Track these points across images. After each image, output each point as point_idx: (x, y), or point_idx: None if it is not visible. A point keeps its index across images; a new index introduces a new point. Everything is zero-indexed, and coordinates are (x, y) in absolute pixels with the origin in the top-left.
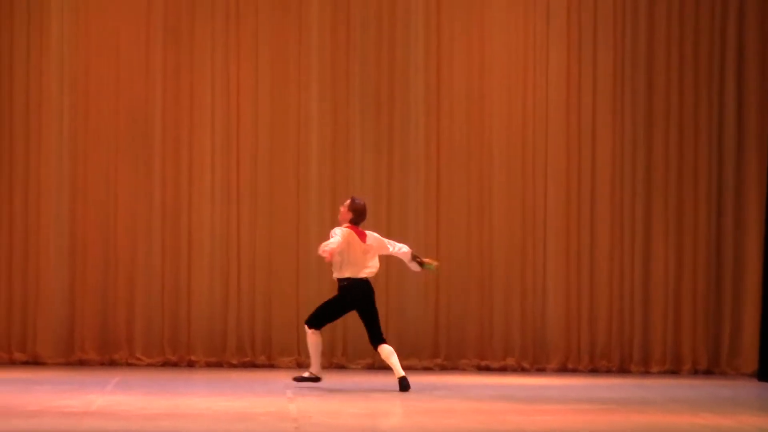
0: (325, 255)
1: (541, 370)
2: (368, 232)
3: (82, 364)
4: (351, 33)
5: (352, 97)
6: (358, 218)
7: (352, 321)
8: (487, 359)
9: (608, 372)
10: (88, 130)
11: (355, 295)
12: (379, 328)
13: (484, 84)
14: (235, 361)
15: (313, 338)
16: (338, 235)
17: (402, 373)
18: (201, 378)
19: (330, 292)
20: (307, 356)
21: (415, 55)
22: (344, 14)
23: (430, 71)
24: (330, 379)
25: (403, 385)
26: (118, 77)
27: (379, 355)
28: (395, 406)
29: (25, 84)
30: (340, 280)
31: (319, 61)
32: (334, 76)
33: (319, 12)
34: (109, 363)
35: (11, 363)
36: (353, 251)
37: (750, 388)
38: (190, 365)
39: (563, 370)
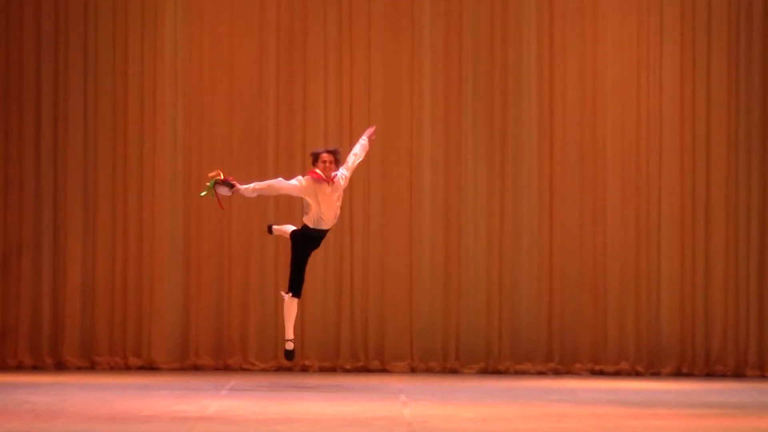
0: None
1: (655, 375)
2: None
3: (196, 369)
4: (463, 39)
5: (464, 102)
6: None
7: (465, 324)
8: (601, 363)
9: (723, 376)
10: (202, 139)
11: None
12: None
13: (597, 88)
14: (348, 366)
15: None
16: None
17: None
18: (314, 383)
19: (442, 295)
20: (421, 360)
21: (528, 59)
22: (456, 20)
23: (543, 75)
24: (444, 384)
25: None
26: (232, 86)
27: None
28: (509, 411)
29: (139, 94)
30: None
31: (432, 67)
32: (446, 81)
33: (431, 18)
34: (224, 368)
35: (126, 368)
36: None
37: None
38: (304, 370)
39: (678, 374)
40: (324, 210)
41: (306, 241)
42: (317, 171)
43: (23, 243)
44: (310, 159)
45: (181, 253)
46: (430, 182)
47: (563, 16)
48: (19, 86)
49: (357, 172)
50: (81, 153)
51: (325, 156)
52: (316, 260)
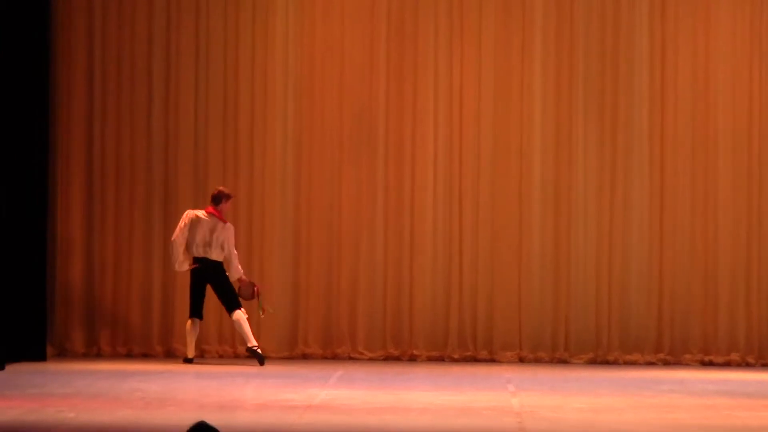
0: None
1: (766, 366)
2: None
3: (305, 357)
4: (574, 30)
5: (575, 95)
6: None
7: (574, 314)
8: (711, 354)
9: None
10: (312, 130)
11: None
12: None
13: (710, 80)
14: (456, 356)
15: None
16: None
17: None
18: (423, 372)
19: (551, 285)
20: (530, 350)
21: (640, 51)
22: (568, 12)
23: (655, 68)
24: (553, 374)
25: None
26: (342, 77)
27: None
28: (619, 401)
29: (250, 84)
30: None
31: (543, 59)
32: (557, 74)
33: (543, 9)
34: (332, 357)
35: (236, 357)
36: None
37: None
38: (412, 359)
39: None
40: None
41: None
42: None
43: (134, 234)
44: (412, 156)
45: (290, 242)
46: (540, 173)
47: (675, 8)
48: (131, 77)
49: (468, 164)
50: (192, 144)
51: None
52: (426, 251)
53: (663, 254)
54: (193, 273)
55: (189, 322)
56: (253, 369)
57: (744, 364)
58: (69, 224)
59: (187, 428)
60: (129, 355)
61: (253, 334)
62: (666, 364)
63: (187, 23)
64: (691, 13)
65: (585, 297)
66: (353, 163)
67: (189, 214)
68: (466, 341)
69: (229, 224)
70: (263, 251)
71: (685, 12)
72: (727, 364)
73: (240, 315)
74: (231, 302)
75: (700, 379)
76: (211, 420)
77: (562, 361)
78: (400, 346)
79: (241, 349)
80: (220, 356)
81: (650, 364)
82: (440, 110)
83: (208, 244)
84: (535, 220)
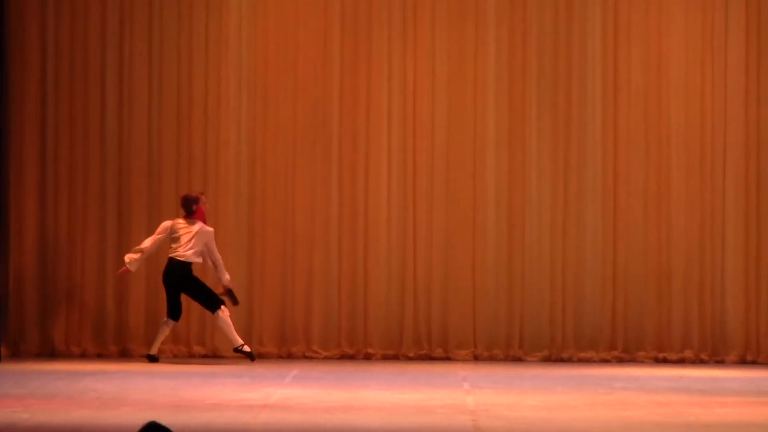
0: None
1: (719, 362)
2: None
3: (260, 357)
4: (527, 24)
5: (528, 89)
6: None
7: (528, 312)
8: (665, 351)
9: None
10: (266, 127)
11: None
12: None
13: (662, 79)
14: (411, 354)
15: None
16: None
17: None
18: (378, 371)
19: (506, 283)
20: (484, 348)
21: (593, 50)
22: (521, 5)
23: (608, 67)
24: (508, 372)
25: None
26: (296, 74)
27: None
28: (573, 399)
29: (204, 81)
30: None
31: (496, 57)
32: (510, 71)
33: (496, 7)
34: (287, 356)
35: (191, 356)
36: None
37: None
38: (367, 358)
39: (742, 362)
40: None
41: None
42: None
43: (88, 233)
44: (366, 153)
45: (245, 241)
46: (494, 169)
47: (628, 7)
48: (84, 78)
49: (422, 160)
50: (146, 141)
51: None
52: (380, 249)
53: (617, 252)
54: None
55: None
56: (208, 368)
57: (698, 361)
58: (22, 224)
59: (139, 428)
60: (83, 355)
61: (209, 330)
62: (620, 361)
63: (141, 19)
64: (643, 13)
65: (539, 295)
66: (307, 160)
67: (165, 224)
68: (420, 339)
69: (206, 227)
70: (218, 249)
71: (637, 11)
72: (681, 361)
73: (223, 315)
74: (209, 302)
75: (654, 376)
76: (166, 420)
77: (517, 359)
78: (355, 345)
79: (197, 349)
80: (175, 356)
81: (604, 361)
82: (394, 108)
83: (176, 241)
84: (489, 218)
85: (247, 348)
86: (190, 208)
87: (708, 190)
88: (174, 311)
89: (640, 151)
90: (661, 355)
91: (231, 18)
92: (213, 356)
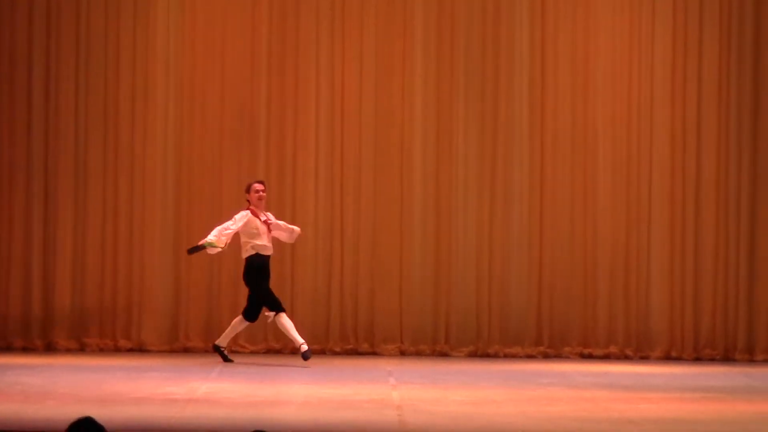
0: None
1: (644, 359)
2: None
3: (186, 351)
4: (455, 29)
5: (455, 92)
6: None
7: (455, 307)
8: (590, 347)
9: (712, 360)
10: (193, 126)
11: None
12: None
13: (589, 79)
14: (338, 349)
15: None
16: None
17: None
18: (304, 365)
19: (433, 278)
20: (411, 343)
21: (520, 50)
22: (448, 11)
23: (535, 67)
24: (433, 367)
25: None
26: (224, 73)
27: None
28: (499, 394)
29: (131, 81)
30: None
31: (424, 56)
32: (438, 71)
33: (423, 6)
34: (213, 350)
35: (116, 350)
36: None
37: None
38: (293, 353)
39: (667, 358)
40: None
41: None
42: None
43: (14, 227)
44: (293, 151)
45: (171, 235)
46: (421, 167)
47: (555, 7)
48: (10, 75)
49: (350, 158)
50: (72, 140)
51: (258, 186)
52: (307, 245)
53: (543, 248)
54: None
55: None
56: (133, 362)
57: (623, 357)
58: None
59: (69, 423)
60: (9, 349)
61: (135, 324)
62: (546, 356)
63: (68, 19)
64: (570, 13)
65: (465, 290)
66: (234, 160)
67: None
68: (347, 334)
69: (242, 212)
70: (144, 245)
71: (565, 11)
72: (606, 357)
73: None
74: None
75: (580, 371)
76: (92, 414)
77: (443, 354)
78: (281, 340)
79: (123, 343)
80: (101, 350)
81: (530, 356)
82: (322, 107)
83: (258, 236)
84: (416, 215)
85: (305, 347)
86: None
87: (634, 187)
88: (275, 303)
89: (567, 149)
90: (586, 351)
91: (158, 17)
92: (139, 350)
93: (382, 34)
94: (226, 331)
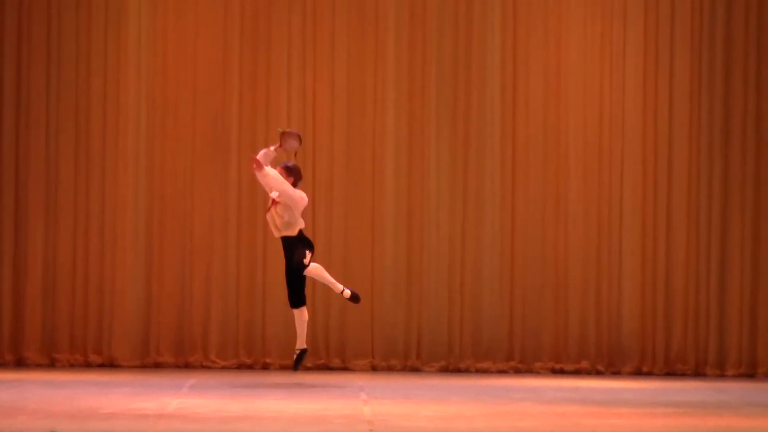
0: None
1: (615, 374)
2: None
3: (157, 366)
4: (427, 38)
5: (428, 101)
6: (298, 181)
7: (426, 323)
8: (561, 362)
9: (683, 375)
10: (165, 134)
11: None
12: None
13: (561, 87)
14: (309, 364)
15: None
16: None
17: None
18: (275, 381)
19: (404, 294)
20: (382, 358)
21: (492, 58)
22: (420, 19)
23: (506, 75)
24: (405, 382)
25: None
26: (196, 81)
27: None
28: (470, 409)
29: (102, 88)
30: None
31: (396, 65)
32: (410, 79)
33: (395, 15)
34: (184, 366)
35: (87, 365)
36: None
37: None
38: (265, 368)
39: (638, 373)
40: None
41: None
42: None
43: None
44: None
45: (142, 250)
46: (393, 178)
47: (527, 16)
48: None
49: (320, 168)
50: (43, 148)
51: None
52: (278, 260)
53: (514, 262)
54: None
55: None
56: (104, 377)
57: (594, 372)
58: None
59: None
60: None
61: (106, 339)
62: (517, 371)
63: (39, 26)
64: (542, 21)
65: (437, 305)
66: (206, 167)
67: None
68: (318, 349)
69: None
70: (115, 257)
71: (536, 20)
72: (577, 372)
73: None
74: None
75: (551, 386)
76: (63, 429)
77: (415, 369)
78: (252, 355)
79: (94, 358)
80: (72, 365)
81: (502, 371)
82: (293, 115)
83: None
84: (387, 227)
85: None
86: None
87: (606, 199)
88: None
89: (539, 159)
90: (557, 366)
91: (130, 25)
92: (110, 365)
93: (354, 43)
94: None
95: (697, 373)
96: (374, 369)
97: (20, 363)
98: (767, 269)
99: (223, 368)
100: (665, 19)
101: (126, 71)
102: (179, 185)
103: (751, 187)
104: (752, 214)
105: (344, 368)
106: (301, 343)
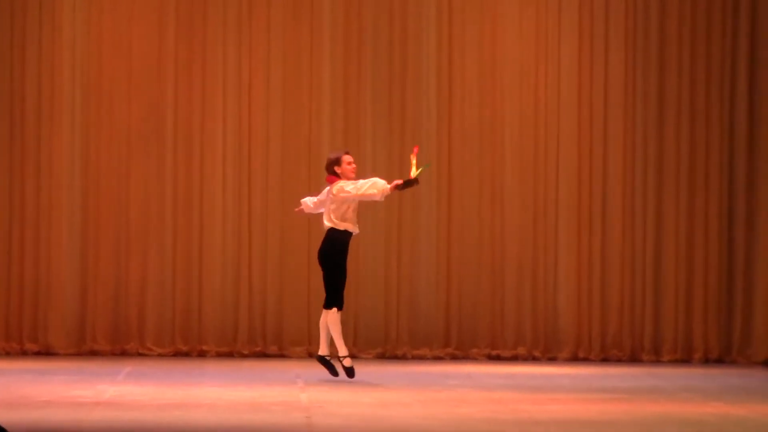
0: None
1: (552, 360)
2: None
3: (93, 354)
4: (363, 28)
5: (363, 91)
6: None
7: (363, 310)
8: (498, 348)
9: (619, 361)
10: (100, 125)
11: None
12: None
13: (496, 78)
14: (246, 351)
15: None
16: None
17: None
18: (212, 368)
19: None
20: (318, 345)
21: (427, 49)
22: (356, 9)
23: (442, 66)
24: (342, 369)
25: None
26: (131, 72)
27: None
28: (407, 396)
29: (37, 80)
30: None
31: (331, 56)
32: (345, 70)
33: (331, 6)
34: (121, 353)
35: (23, 353)
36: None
37: (761, 376)
38: (201, 355)
39: (574, 359)
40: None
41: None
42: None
43: None
44: (200, 153)
45: (78, 238)
46: None
47: (462, 7)
48: None
49: (258, 160)
50: None
51: (349, 157)
52: (215, 247)
53: (451, 249)
54: None
55: None
56: (40, 365)
57: (530, 358)
58: None
59: None
60: None
61: (42, 327)
62: (454, 358)
63: None
64: (478, 14)
65: (374, 292)
66: (142, 158)
67: None
68: (255, 337)
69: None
70: (51, 245)
71: (471, 10)
72: (514, 358)
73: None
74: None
75: (488, 373)
76: None
77: (351, 356)
78: (189, 342)
79: (30, 346)
80: (7, 353)
81: (438, 358)
82: (229, 106)
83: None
84: (323, 215)
85: (328, 359)
86: (329, 169)
87: (541, 188)
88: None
89: (475, 149)
90: (494, 353)
91: (64, 16)
92: (46, 353)
93: (290, 35)
94: (334, 337)
95: (633, 359)
96: (311, 356)
97: None
98: (702, 255)
99: (160, 356)
100: (600, 10)
101: (60, 63)
102: (114, 175)
103: (684, 175)
104: (686, 202)
105: (281, 355)
106: (342, 350)
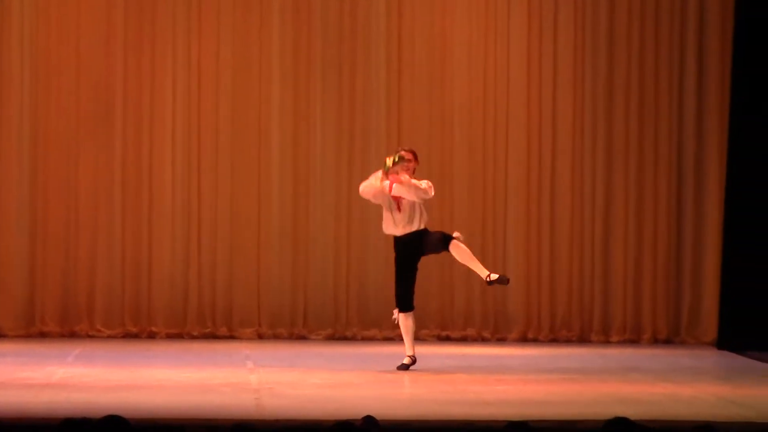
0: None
1: (501, 341)
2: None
3: (42, 336)
4: (312, 5)
5: (313, 70)
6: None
7: (313, 291)
8: (447, 329)
9: (568, 342)
10: (49, 105)
11: None
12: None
13: (446, 60)
14: (195, 333)
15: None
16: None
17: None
18: (162, 349)
19: (290, 261)
20: (268, 327)
21: (377, 29)
22: None
23: (392, 48)
24: (291, 350)
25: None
26: (79, 53)
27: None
28: (357, 377)
29: None
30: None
31: (280, 36)
32: (295, 49)
33: None
34: (70, 335)
35: None
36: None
37: (709, 356)
38: (151, 337)
39: (524, 340)
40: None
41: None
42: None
43: None
44: (150, 134)
45: (26, 219)
46: (279, 150)
47: None
48: None
49: (207, 141)
50: None
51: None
52: (164, 228)
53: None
54: None
55: None
56: None
57: (480, 339)
58: None
59: None
60: None
61: None
62: (403, 339)
63: None
64: None
65: (323, 273)
66: (90, 139)
67: None
68: (205, 318)
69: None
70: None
71: None
72: (463, 339)
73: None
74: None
75: (438, 354)
76: None
77: (301, 337)
78: (138, 324)
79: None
80: None
81: (388, 339)
82: (178, 86)
83: None
84: (274, 197)
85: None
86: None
87: (490, 169)
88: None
89: (424, 131)
90: (443, 334)
91: None
92: None
93: (240, 16)
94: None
95: (582, 340)
96: (261, 337)
97: None
98: (651, 236)
99: (109, 337)
100: None
101: (9, 43)
102: (63, 155)
103: (635, 155)
104: (635, 182)
105: (231, 337)
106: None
